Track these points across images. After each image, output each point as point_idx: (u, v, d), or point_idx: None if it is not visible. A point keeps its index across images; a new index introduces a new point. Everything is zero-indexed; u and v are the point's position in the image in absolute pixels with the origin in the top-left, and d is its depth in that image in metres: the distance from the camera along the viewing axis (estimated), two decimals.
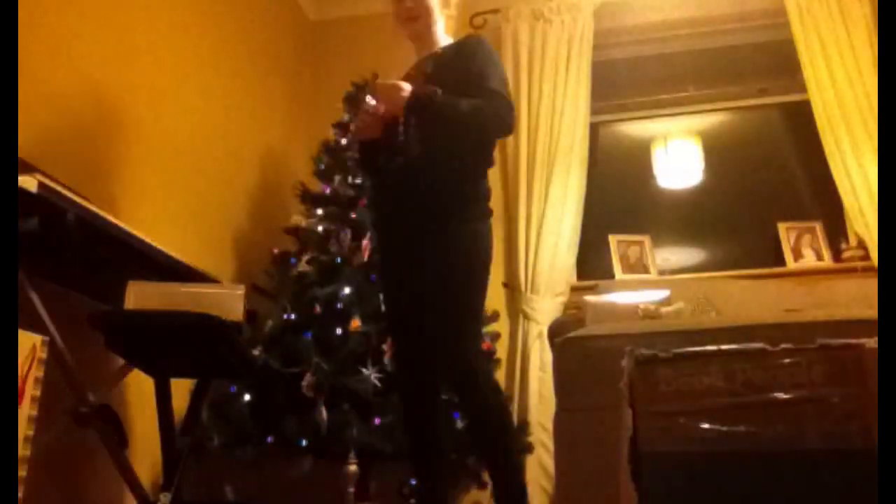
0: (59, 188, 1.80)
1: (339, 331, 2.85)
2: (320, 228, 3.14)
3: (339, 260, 3.02)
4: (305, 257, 3.07)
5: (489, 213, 2.26)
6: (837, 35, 3.58)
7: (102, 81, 2.61)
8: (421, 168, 2.18)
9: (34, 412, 1.69)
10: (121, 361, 2.29)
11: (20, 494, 1.68)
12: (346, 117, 3.43)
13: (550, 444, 3.01)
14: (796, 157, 3.98)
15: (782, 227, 3.71)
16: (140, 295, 2.03)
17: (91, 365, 2.34)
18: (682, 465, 1.12)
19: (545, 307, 3.54)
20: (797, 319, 1.77)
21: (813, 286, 3.18)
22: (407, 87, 2.16)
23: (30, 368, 1.68)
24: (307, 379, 2.76)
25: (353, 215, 3.11)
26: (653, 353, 1.16)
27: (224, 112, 3.43)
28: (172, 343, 2.10)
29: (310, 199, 3.31)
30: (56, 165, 2.18)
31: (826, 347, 1.10)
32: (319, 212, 3.23)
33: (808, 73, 3.61)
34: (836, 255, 3.59)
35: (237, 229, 3.47)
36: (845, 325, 1.37)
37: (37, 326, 1.83)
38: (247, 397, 2.84)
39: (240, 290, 2.15)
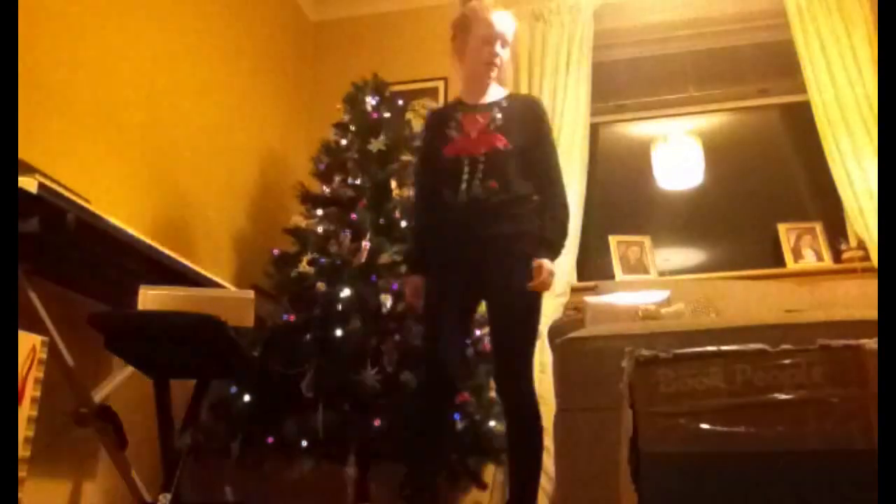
0: (59, 189, 1.80)
1: (339, 332, 2.85)
2: (320, 229, 3.14)
3: (338, 261, 3.01)
4: (306, 258, 3.07)
5: None
6: (837, 35, 3.58)
7: (102, 82, 2.61)
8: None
9: (34, 413, 1.69)
10: (120, 362, 2.29)
11: (20, 495, 1.68)
12: (345, 118, 3.43)
13: (550, 445, 3.00)
14: (796, 157, 3.98)
15: (782, 228, 3.71)
16: (151, 299, 2.03)
17: (91, 365, 2.34)
18: (682, 466, 1.12)
19: (545, 308, 3.53)
20: (797, 320, 1.77)
21: (813, 287, 3.18)
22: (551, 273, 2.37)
23: (29, 369, 1.68)
24: (307, 380, 2.76)
25: (353, 216, 3.11)
26: (653, 354, 1.16)
27: (224, 112, 3.43)
28: (172, 344, 2.10)
29: (310, 200, 3.30)
30: (55, 166, 2.18)
31: (826, 348, 1.09)
32: (319, 212, 3.22)
33: (807, 73, 3.62)
34: (836, 255, 3.58)
35: (237, 229, 3.47)
36: (845, 326, 1.37)
37: (37, 327, 1.84)
38: (246, 398, 2.83)
39: (250, 295, 2.14)
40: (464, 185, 2.43)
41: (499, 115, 2.51)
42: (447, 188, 2.45)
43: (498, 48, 2.51)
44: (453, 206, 2.43)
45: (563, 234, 2.44)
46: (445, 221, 2.46)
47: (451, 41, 2.61)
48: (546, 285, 2.35)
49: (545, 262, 2.33)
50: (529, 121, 2.54)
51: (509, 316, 2.37)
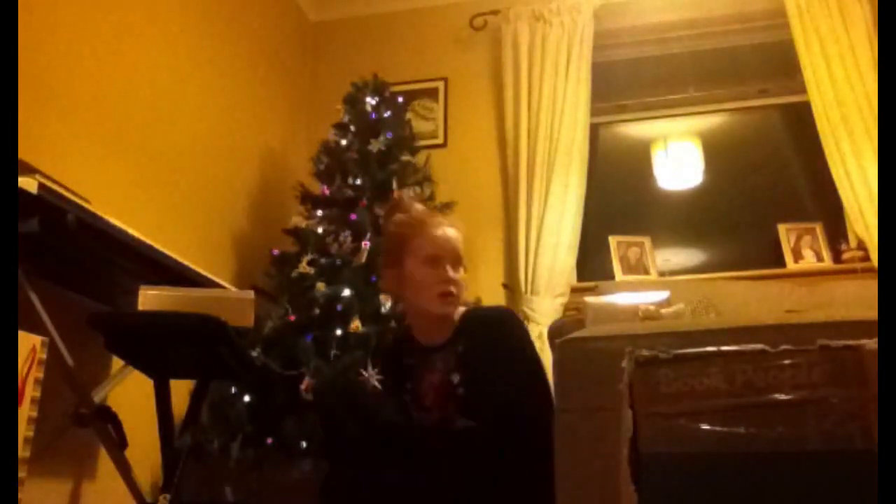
0: (59, 189, 1.80)
1: (338, 332, 2.85)
2: (320, 230, 3.14)
3: (338, 261, 3.01)
4: (305, 258, 3.07)
5: None
6: (837, 36, 3.58)
7: (102, 82, 2.61)
8: None
9: (34, 413, 1.69)
10: (120, 362, 2.29)
11: (20, 495, 1.68)
12: (345, 118, 3.43)
13: None
14: (796, 158, 3.98)
15: (782, 228, 3.71)
16: (151, 299, 2.02)
17: (91, 366, 2.34)
18: (682, 467, 1.12)
19: (545, 308, 3.54)
20: (797, 320, 1.77)
21: (813, 287, 3.18)
22: None
23: (29, 369, 1.68)
24: (307, 381, 2.76)
25: (353, 216, 3.11)
26: (653, 355, 1.16)
27: (224, 113, 3.43)
28: (172, 344, 2.10)
29: (310, 200, 3.31)
30: (55, 166, 2.18)
31: (826, 348, 1.09)
32: (319, 213, 3.23)
33: (807, 73, 3.61)
34: (836, 256, 3.58)
35: (237, 230, 3.47)
36: (845, 326, 1.37)
37: (37, 327, 1.83)
38: (246, 399, 2.83)
39: (250, 296, 2.14)
40: None
41: (455, 376, 1.73)
42: None
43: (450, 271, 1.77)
44: None
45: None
46: None
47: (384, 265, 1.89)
48: None
49: None
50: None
51: None
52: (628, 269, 3.75)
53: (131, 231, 2.05)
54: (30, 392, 1.68)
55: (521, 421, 1.65)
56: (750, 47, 4.08)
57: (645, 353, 1.17)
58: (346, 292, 2.91)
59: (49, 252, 1.90)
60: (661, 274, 3.76)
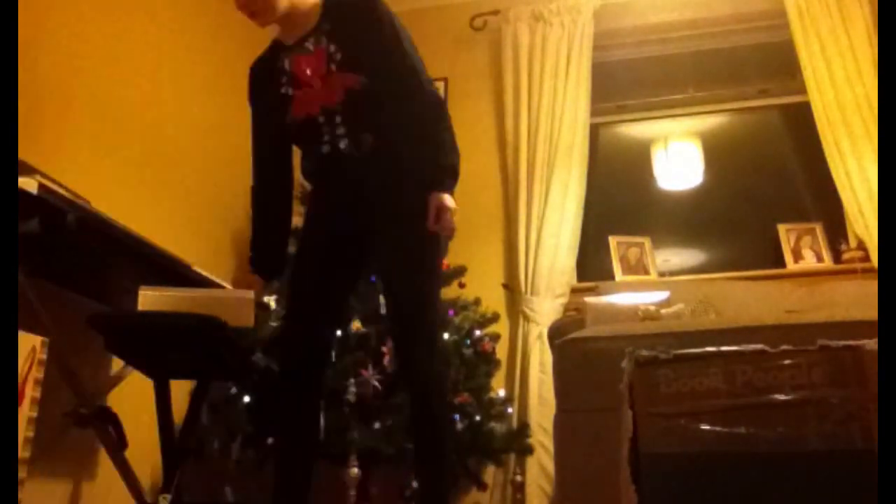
0: (59, 189, 1.80)
1: (338, 332, 2.85)
2: None
3: None
4: None
5: None
6: (837, 36, 3.58)
7: (102, 82, 2.61)
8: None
9: (34, 413, 1.69)
10: (120, 363, 2.29)
11: (20, 495, 1.68)
12: None
13: (550, 446, 3.01)
14: (796, 158, 3.98)
15: (782, 229, 3.71)
16: (150, 300, 2.03)
17: (91, 366, 2.34)
18: (682, 466, 1.12)
19: (545, 308, 3.54)
20: (797, 321, 1.77)
21: (813, 287, 3.18)
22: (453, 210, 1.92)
23: (29, 370, 1.68)
24: None
25: None
26: (653, 355, 1.16)
27: (224, 112, 3.43)
28: (172, 344, 2.10)
29: None
30: (55, 167, 2.18)
31: (826, 349, 1.09)
32: None
33: (807, 74, 3.62)
34: (836, 256, 3.58)
35: (237, 229, 3.46)
36: (845, 327, 1.37)
37: (37, 328, 1.83)
38: (246, 399, 2.83)
39: (250, 295, 2.15)
40: (326, 149, 2.07)
41: (332, 47, 2.03)
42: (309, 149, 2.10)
43: None
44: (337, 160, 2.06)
45: (455, 148, 2.03)
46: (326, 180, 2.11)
47: None
48: (449, 228, 1.94)
49: (445, 197, 1.93)
50: (364, 27, 2.05)
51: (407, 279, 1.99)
52: (628, 269, 3.75)
53: (131, 231, 2.05)
54: (30, 392, 1.68)
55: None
56: (750, 47, 4.08)
57: (645, 353, 1.17)
58: None
59: (49, 252, 1.90)
60: (661, 274, 3.76)
